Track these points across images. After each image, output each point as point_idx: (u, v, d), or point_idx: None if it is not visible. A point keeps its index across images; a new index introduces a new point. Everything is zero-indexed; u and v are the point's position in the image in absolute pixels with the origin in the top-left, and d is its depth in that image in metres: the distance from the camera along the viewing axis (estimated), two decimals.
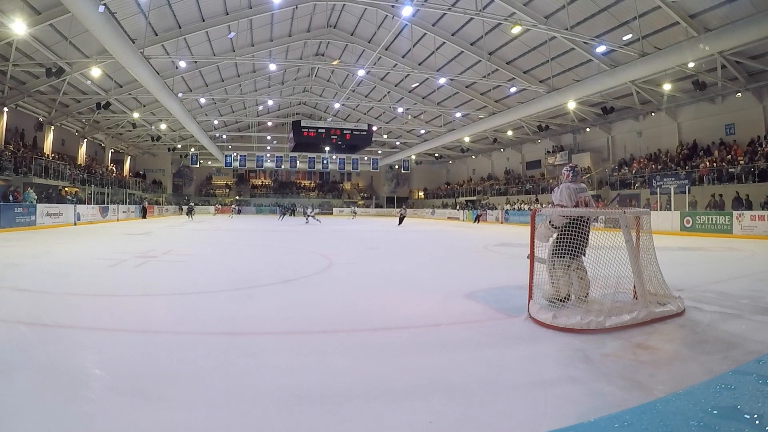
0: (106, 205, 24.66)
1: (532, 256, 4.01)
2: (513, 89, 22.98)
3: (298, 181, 51.64)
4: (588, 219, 4.24)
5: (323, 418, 2.19)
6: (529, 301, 3.98)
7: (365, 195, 51.69)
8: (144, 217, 29.13)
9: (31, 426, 2.04)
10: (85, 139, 29.36)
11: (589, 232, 4.23)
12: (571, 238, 4.06)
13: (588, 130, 27.90)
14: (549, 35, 17.39)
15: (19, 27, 13.97)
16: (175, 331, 3.73)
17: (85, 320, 3.94)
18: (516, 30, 16.56)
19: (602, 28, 16.79)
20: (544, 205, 24.70)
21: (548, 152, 31.63)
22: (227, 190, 49.29)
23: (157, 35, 18.68)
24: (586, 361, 2.95)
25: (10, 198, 16.55)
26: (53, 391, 2.41)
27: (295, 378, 2.68)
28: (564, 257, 4.10)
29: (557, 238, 4.18)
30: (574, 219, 4.11)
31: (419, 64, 24.52)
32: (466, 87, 26.11)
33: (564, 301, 4.10)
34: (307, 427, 2.11)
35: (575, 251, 4.07)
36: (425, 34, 21.70)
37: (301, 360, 3.01)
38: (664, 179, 18.96)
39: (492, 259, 8.54)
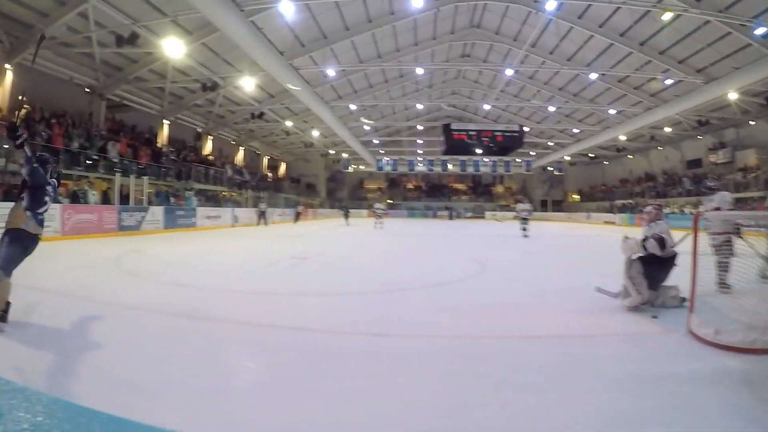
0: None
1: (694, 266, 3.59)
2: (668, 81, 19.97)
3: (450, 184, 50.84)
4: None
5: None
6: (690, 315, 3.62)
7: (518, 198, 48.88)
8: (296, 221, 27.94)
9: (186, 402, 2.19)
10: (242, 147, 32.33)
11: None
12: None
13: (752, 123, 23.29)
14: (702, 19, 14.97)
15: (175, 50, 15.39)
16: (325, 329, 3.62)
17: (241, 315, 4.01)
18: (666, 16, 14.98)
19: (761, 5, 13.52)
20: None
21: (710, 149, 26.79)
22: (379, 194, 49.58)
23: (303, 46, 19.72)
24: (748, 384, 2.60)
25: (172, 201, 17.58)
26: (201, 379, 2.49)
27: (441, 382, 2.44)
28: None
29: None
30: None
31: (568, 60, 22.51)
32: (619, 81, 23.37)
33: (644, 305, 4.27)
34: None
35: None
36: (572, 27, 19.77)
37: (448, 366, 2.86)
38: None
39: None
